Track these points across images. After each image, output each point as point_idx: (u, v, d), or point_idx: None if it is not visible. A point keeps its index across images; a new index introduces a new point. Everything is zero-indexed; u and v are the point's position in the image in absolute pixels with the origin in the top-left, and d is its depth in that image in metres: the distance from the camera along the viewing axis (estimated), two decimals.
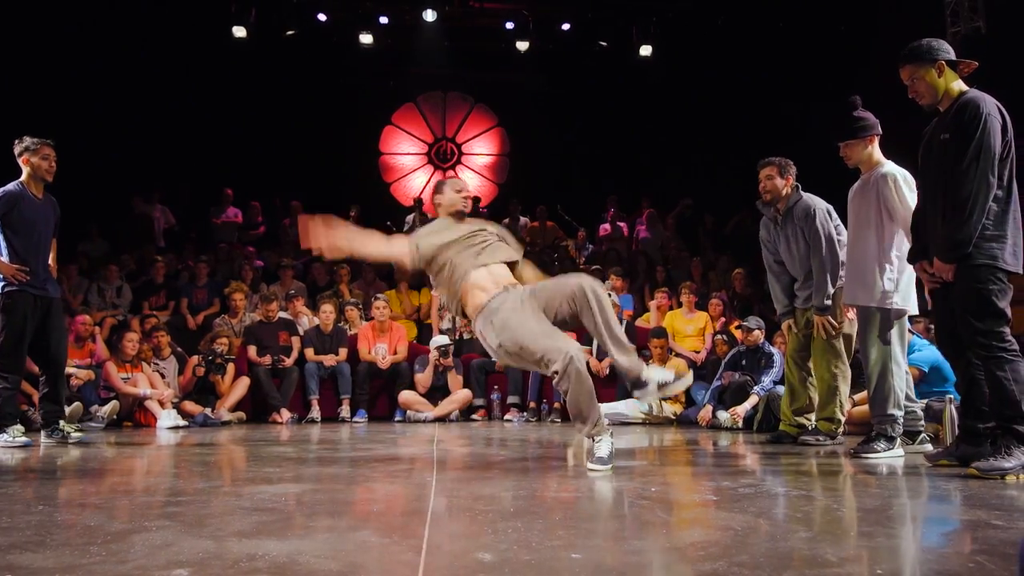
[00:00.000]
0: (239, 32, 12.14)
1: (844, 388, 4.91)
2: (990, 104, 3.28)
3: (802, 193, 4.94)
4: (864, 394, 5.72)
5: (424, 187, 15.17)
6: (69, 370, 6.53)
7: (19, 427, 4.91)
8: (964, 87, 3.44)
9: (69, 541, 1.97)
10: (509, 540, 1.95)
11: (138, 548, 1.88)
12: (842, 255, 4.73)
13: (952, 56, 3.45)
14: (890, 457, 4.10)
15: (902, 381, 4.23)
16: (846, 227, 4.58)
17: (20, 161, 5.08)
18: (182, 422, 6.69)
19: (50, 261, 5.23)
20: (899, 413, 4.19)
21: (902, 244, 4.13)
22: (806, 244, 4.83)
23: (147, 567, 1.70)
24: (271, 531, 2.08)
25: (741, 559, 1.77)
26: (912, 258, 3.67)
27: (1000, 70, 3.50)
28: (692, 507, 2.57)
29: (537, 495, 2.84)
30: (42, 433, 5.17)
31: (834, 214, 4.88)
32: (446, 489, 2.86)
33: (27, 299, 4.94)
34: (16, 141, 5.10)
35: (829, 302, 4.73)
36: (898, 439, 4.20)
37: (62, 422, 5.21)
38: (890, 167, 4.25)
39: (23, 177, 5.08)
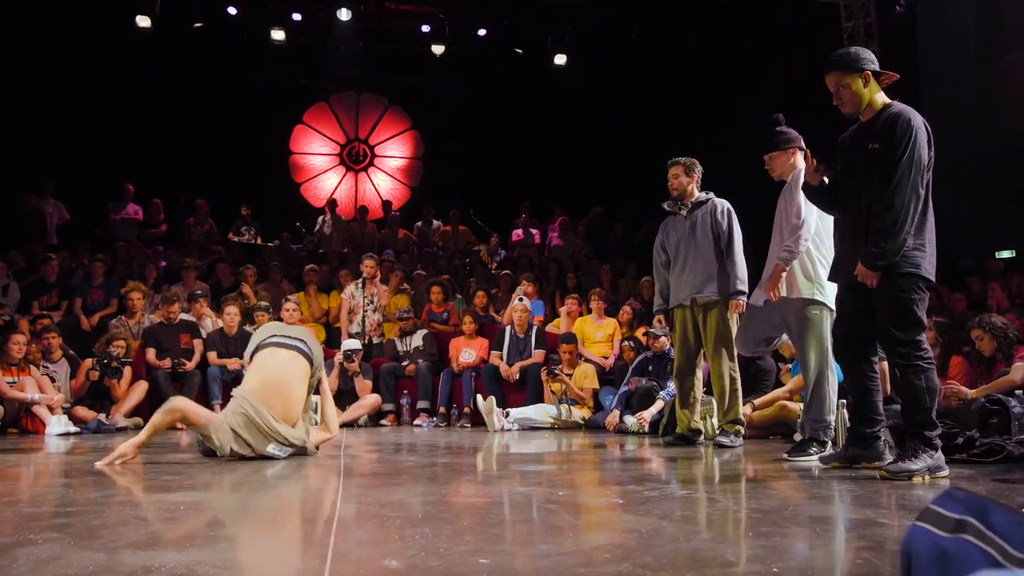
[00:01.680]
0: (143, 22, 11.65)
1: (739, 388, 5.11)
2: (918, 119, 3.39)
3: (712, 196, 5.25)
4: (764, 398, 6.00)
5: (335, 188, 14.95)
6: None
7: None
8: (887, 99, 3.54)
9: None
10: (417, 546, 1.94)
11: (22, 563, 1.78)
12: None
13: (877, 67, 3.53)
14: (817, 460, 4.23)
15: (835, 386, 4.35)
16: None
17: None
18: (73, 428, 6.36)
19: None
20: (831, 418, 4.32)
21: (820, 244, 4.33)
22: (712, 237, 5.09)
23: None
24: (168, 541, 2.00)
25: (645, 560, 1.80)
26: (832, 274, 3.80)
27: (892, 94, 3.65)
28: (599, 510, 2.60)
29: (446, 501, 2.83)
30: None
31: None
32: (353, 495, 2.82)
33: None
34: None
35: (744, 287, 4.97)
36: (828, 442, 4.32)
37: None
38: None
39: None
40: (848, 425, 4.60)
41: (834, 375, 4.36)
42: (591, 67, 13.21)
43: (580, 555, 1.89)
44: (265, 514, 2.57)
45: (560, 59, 13.17)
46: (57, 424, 6.26)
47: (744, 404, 5.69)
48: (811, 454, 4.20)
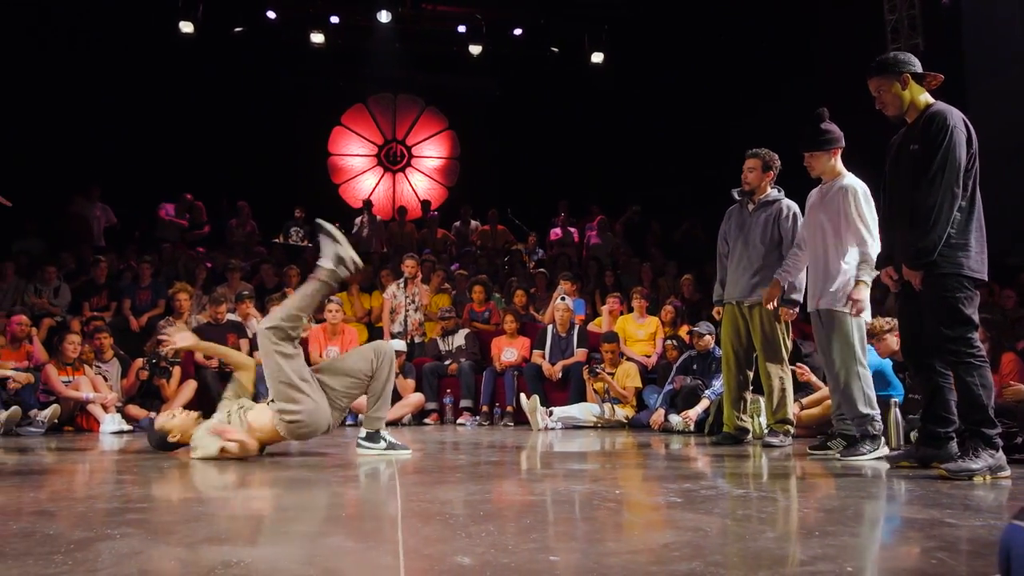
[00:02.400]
0: (186, 27, 11.91)
1: (790, 388, 5.06)
2: (956, 117, 3.40)
3: (782, 194, 5.15)
4: (811, 398, 5.93)
5: (373, 189, 15.07)
6: (7, 373, 6.33)
7: None
8: (931, 99, 3.57)
9: (30, 550, 1.90)
10: (485, 543, 1.96)
11: (105, 556, 1.83)
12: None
13: (918, 69, 3.57)
14: (875, 458, 4.20)
15: (868, 381, 4.34)
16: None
17: None
18: (126, 427, 6.51)
19: None
20: (873, 412, 4.29)
21: (856, 253, 4.30)
22: (771, 239, 5.01)
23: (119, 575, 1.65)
24: (242, 537, 2.05)
25: (715, 559, 1.80)
26: (879, 264, 3.80)
27: (937, 88, 3.64)
28: (659, 509, 2.60)
29: (503, 499, 2.84)
30: None
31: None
32: (411, 493, 2.85)
33: None
34: None
35: (797, 296, 4.89)
36: (881, 437, 4.30)
37: None
38: (851, 180, 4.40)
39: None
40: (901, 423, 4.61)
41: (865, 371, 4.36)
42: (628, 65, 13.18)
43: (650, 553, 1.89)
44: (329, 511, 2.61)
45: (597, 57, 13.16)
46: (111, 422, 6.41)
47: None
48: (864, 452, 4.17)
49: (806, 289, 4.77)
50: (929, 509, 2.53)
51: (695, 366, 6.71)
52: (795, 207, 5.04)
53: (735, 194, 5.30)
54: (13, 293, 8.61)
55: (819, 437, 4.81)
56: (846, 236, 4.32)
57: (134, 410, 6.87)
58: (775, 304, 4.80)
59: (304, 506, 2.64)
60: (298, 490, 3.04)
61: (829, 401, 5.84)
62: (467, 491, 2.94)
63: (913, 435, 4.61)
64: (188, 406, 7.16)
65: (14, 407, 6.05)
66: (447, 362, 8.02)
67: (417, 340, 8.58)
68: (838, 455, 4.29)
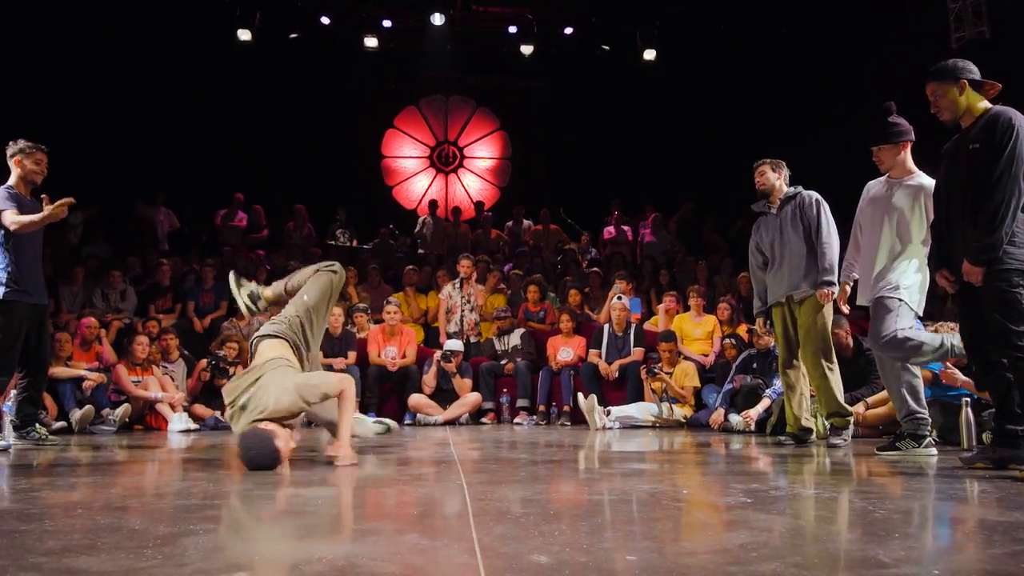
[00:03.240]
0: (244, 35, 12.17)
1: (837, 382, 4.96)
2: (1019, 118, 3.42)
3: (798, 188, 5.12)
4: (877, 396, 5.80)
5: (426, 190, 15.20)
6: (81, 372, 6.55)
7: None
8: (988, 105, 3.58)
9: (120, 544, 1.97)
10: (559, 542, 1.96)
11: (191, 551, 1.88)
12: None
13: (976, 76, 3.60)
14: (917, 455, 4.13)
15: (919, 379, 4.27)
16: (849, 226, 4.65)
17: (11, 163, 5.04)
18: (193, 425, 6.68)
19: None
20: (922, 411, 4.22)
21: (921, 251, 4.23)
22: (803, 230, 4.95)
23: (207, 570, 1.70)
24: (319, 534, 2.09)
25: (795, 560, 1.78)
26: (934, 265, 3.74)
27: (1003, 76, 3.60)
28: (730, 509, 2.57)
29: (569, 498, 2.84)
30: (12, 434, 5.13)
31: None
32: (478, 492, 2.87)
33: (24, 306, 4.95)
34: (11, 142, 5.08)
35: (831, 277, 4.80)
36: (928, 437, 4.23)
37: (38, 425, 5.26)
38: (925, 179, 4.31)
39: (12, 180, 5.04)
40: (973, 424, 4.50)
41: (916, 368, 4.28)
42: (680, 61, 13.02)
43: (727, 553, 1.87)
44: (401, 509, 2.64)
45: (649, 54, 13.04)
46: (179, 421, 6.59)
47: (857, 403, 5.55)
48: (902, 449, 4.14)
49: (844, 283, 4.76)
50: (1012, 512, 2.46)
51: (755, 365, 6.62)
52: (815, 194, 5.03)
53: (756, 207, 5.31)
54: (82, 297, 8.90)
55: (886, 437, 4.70)
56: (914, 234, 4.26)
57: (200, 409, 7.05)
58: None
59: (375, 503, 2.68)
60: (367, 488, 3.09)
61: None
62: (533, 490, 2.94)
63: (986, 436, 4.50)
64: None
65: (88, 406, 6.26)
66: (503, 362, 8.05)
67: (473, 340, 8.63)
68: (876, 450, 4.28)
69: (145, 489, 3.18)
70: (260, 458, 3.50)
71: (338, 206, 12.51)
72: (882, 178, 4.51)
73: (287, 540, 2.00)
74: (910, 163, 4.41)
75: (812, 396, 5.25)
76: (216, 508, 2.53)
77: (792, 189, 5.14)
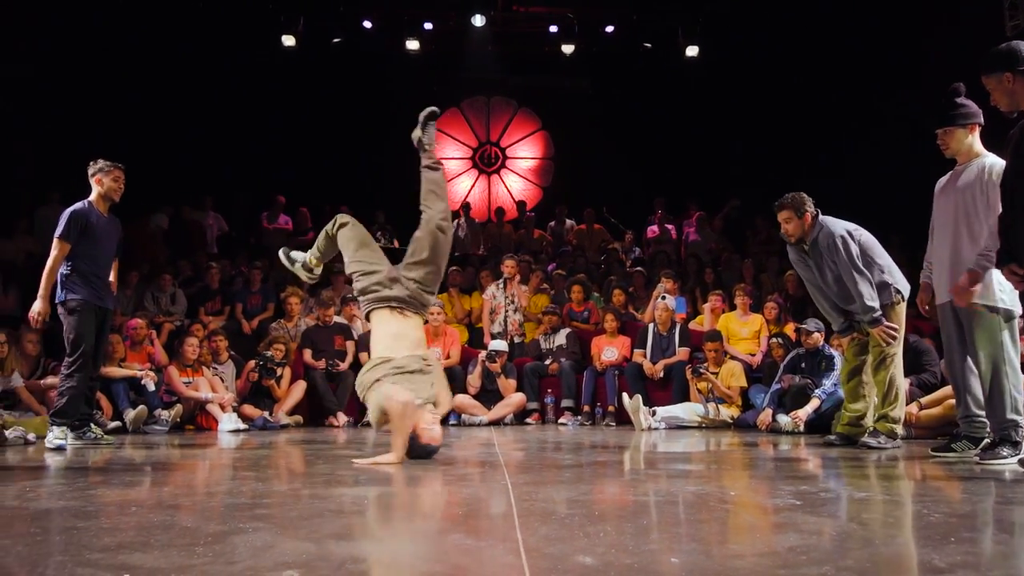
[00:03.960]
0: (288, 41, 12.34)
1: (902, 387, 4.83)
2: None
3: (822, 222, 4.84)
4: (931, 397, 5.66)
5: (469, 191, 15.25)
6: (134, 372, 6.71)
7: (67, 429, 5.10)
8: None
9: (172, 542, 2.01)
10: (605, 543, 1.95)
11: (241, 549, 1.91)
12: (882, 264, 4.73)
13: None
14: (1016, 463, 3.98)
15: (1018, 384, 4.03)
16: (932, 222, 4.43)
17: (92, 181, 5.39)
18: (242, 425, 6.80)
19: (111, 277, 5.51)
20: (1019, 418, 3.99)
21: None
22: (836, 275, 4.78)
23: (256, 568, 1.73)
24: (365, 533, 2.11)
25: (846, 563, 1.74)
26: (1001, 260, 3.57)
27: None
28: (778, 511, 2.53)
29: (614, 499, 2.83)
30: (70, 434, 5.25)
31: (856, 232, 4.82)
32: (522, 493, 2.87)
33: (91, 308, 5.23)
34: (91, 162, 5.42)
35: (878, 314, 4.65)
36: (1022, 443, 4.05)
37: (93, 425, 5.48)
38: (992, 158, 4.07)
39: (92, 196, 5.38)
40: None
41: (1015, 372, 4.05)
42: (724, 57, 12.85)
43: (775, 556, 1.84)
44: (446, 509, 2.66)
45: (692, 51, 12.88)
46: (228, 421, 6.71)
47: (910, 403, 5.42)
48: (1003, 456, 3.92)
49: (910, 283, 4.60)
50: None
51: (803, 364, 6.50)
52: (837, 229, 4.73)
53: (790, 251, 5.08)
54: (134, 300, 9.12)
55: (941, 439, 4.58)
56: (985, 221, 3.97)
57: (248, 410, 7.17)
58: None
59: (420, 503, 2.69)
60: (413, 488, 3.11)
61: (951, 401, 5.58)
62: (577, 491, 2.94)
63: None
64: (298, 406, 7.50)
65: (141, 407, 6.42)
66: (548, 361, 8.04)
67: (517, 340, 8.64)
68: (976, 457, 4.05)
69: (196, 488, 3.25)
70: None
71: (376, 209, 12.61)
72: (952, 170, 4.31)
73: (334, 539, 2.02)
74: (978, 147, 4.15)
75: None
76: (265, 507, 2.57)
77: (819, 225, 4.84)
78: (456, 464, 3.97)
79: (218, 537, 2.05)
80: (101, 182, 5.36)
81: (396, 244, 12.29)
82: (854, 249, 4.70)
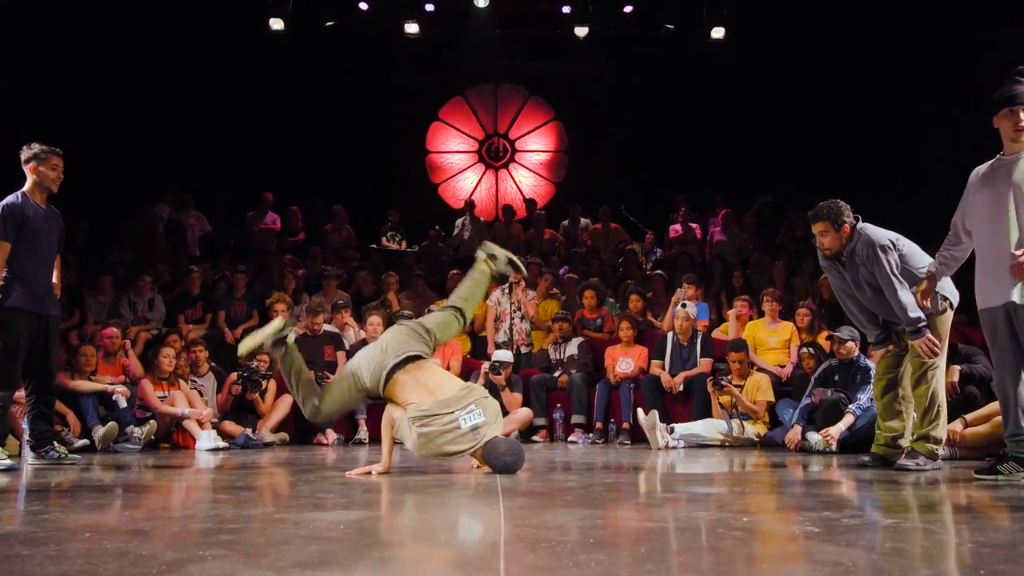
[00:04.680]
0: (276, 24, 12.40)
1: (944, 404, 4.78)
2: None
3: (860, 230, 4.79)
4: (977, 413, 5.60)
5: (475, 188, 15.27)
6: (104, 386, 6.74)
7: (3, 450, 4.97)
8: None
9: (122, 571, 2.01)
10: (594, 573, 1.94)
11: None
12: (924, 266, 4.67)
13: None
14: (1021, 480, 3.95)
15: None
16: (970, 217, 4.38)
17: (26, 169, 5.14)
18: (222, 443, 6.82)
19: (54, 279, 5.31)
20: None
21: None
22: (873, 286, 4.74)
23: None
24: (334, 562, 2.10)
25: None
26: None
27: None
28: (793, 540, 2.51)
29: (615, 525, 2.82)
30: (30, 455, 5.26)
31: (899, 241, 4.77)
32: (517, 517, 2.86)
33: (25, 317, 5.01)
34: (24, 147, 5.18)
35: (923, 324, 4.61)
36: None
37: (56, 443, 5.36)
38: None
39: (26, 186, 5.15)
40: None
41: None
42: (752, 39, 12.80)
43: None
44: (428, 535, 2.65)
45: (717, 32, 12.86)
46: (207, 439, 6.73)
47: (954, 420, 5.37)
48: (1003, 473, 3.92)
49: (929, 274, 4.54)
50: None
51: (836, 377, 6.46)
52: (877, 238, 4.68)
53: (823, 265, 5.05)
54: (110, 306, 9.17)
55: (987, 459, 4.53)
56: None
57: (229, 426, 7.19)
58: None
59: (400, 529, 2.69)
60: (395, 511, 3.11)
61: (998, 417, 5.53)
62: (577, 516, 2.92)
63: None
64: (284, 422, 7.51)
65: (111, 423, 6.45)
66: (557, 374, 8.03)
67: (523, 350, 8.63)
68: (973, 473, 4.05)
69: (160, 512, 3.25)
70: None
71: (390, 206, 12.62)
72: (995, 158, 4.26)
73: (298, 568, 2.02)
74: None
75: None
76: (231, 532, 2.58)
77: (854, 237, 4.80)
78: (449, 486, 3.96)
79: (172, 566, 2.06)
80: (36, 170, 5.10)
81: (404, 246, 12.31)
82: (894, 259, 4.67)
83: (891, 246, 4.69)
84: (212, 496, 3.75)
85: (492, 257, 5.02)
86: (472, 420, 4.26)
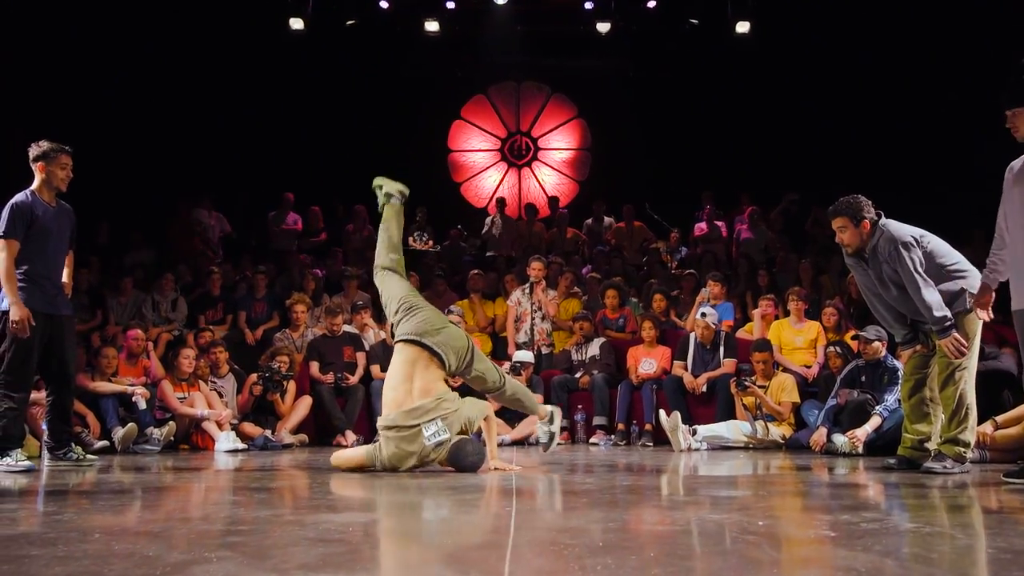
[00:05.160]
0: (296, 24, 12.48)
1: (973, 406, 4.71)
2: None
3: (882, 227, 4.72)
4: (1008, 415, 5.52)
5: (497, 186, 15.28)
6: (127, 387, 6.81)
7: (21, 451, 4.98)
8: None
9: (127, 572, 2.04)
10: None
11: None
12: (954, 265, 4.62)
13: None
14: None
15: None
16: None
17: (35, 168, 5.13)
18: (241, 445, 6.88)
19: (64, 277, 5.32)
20: None
21: None
22: (898, 284, 4.68)
23: None
24: (337, 564, 2.12)
25: None
26: None
27: None
28: (805, 544, 2.49)
29: (628, 528, 2.81)
30: (47, 456, 5.31)
31: (924, 238, 4.70)
32: (526, 520, 2.86)
33: (35, 318, 4.96)
34: (33, 144, 5.15)
35: (950, 323, 4.54)
36: None
37: (74, 445, 5.41)
38: None
39: (34, 185, 5.13)
40: None
41: None
42: (778, 33, 12.69)
43: None
44: (433, 538, 2.66)
45: (742, 26, 12.76)
46: (226, 440, 6.79)
47: (984, 421, 5.30)
48: None
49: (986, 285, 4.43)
50: None
51: (863, 377, 6.40)
52: (900, 234, 4.61)
53: (848, 262, 5.00)
54: (132, 307, 9.28)
55: (1019, 462, 4.46)
56: None
57: (249, 428, 7.24)
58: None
59: (409, 531, 2.70)
60: (404, 513, 3.12)
61: None
62: (590, 518, 2.92)
63: None
64: (303, 424, 7.56)
65: (131, 424, 6.52)
66: (578, 375, 8.02)
67: (545, 351, 8.63)
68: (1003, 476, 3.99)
69: (172, 513, 3.29)
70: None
71: (416, 206, 12.63)
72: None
73: (302, 570, 2.03)
74: None
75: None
76: (240, 534, 2.60)
77: (876, 233, 4.72)
78: (463, 488, 3.97)
79: (177, 568, 2.08)
80: (45, 169, 5.09)
81: (431, 245, 12.33)
82: (917, 256, 4.59)
83: (914, 242, 4.63)
84: (227, 498, 3.79)
85: (387, 195, 5.56)
86: (437, 438, 4.48)
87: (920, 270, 4.55)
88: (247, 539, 2.51)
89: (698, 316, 7.80)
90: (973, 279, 4.66)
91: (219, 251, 11.71)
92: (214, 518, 3.01)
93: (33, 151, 5.15)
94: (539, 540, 2.50)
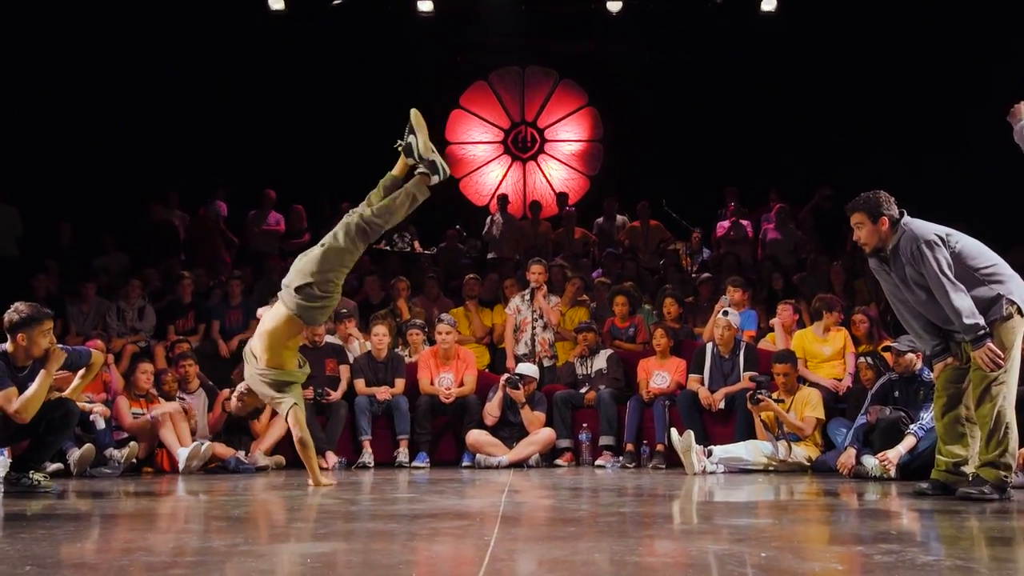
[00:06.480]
0: (276, 4, 12.48)
1: (1013, 424, 4.67)
2: None
3: (904, 225, 4.72)
4: None
5: (500, 182, 15.29)
6: (89, 406, 6.80)
7: None
8: None
9: None
10: None
11: None
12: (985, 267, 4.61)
13: None
14: None
15: None
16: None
17: (16, 337, 5.26)
18: (205, 445, 6.88)
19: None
20: None
21: None
22: (924, 287, 4.66)
23: None
24: None
25: None
26: None
27: None
28: None
29: (608, 558, 2.79)
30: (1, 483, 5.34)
31: (951, 237, 4.69)
32: (503, 551, 2.86)
33: None
34: (10, 310, 5.29)
35: (983, 331, 4.52)
36: None
37: (31, 471, 5.40)
38: None
39: (7, 347, 5.31)
40: None
41: None
42: (808, 11, 12.68)
43: None
44: (397, 570, 2.65)
45: (768, 4, 12.74)
46: (185, 456, 6.76)
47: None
48: None
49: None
50: None
51: (896, 393, 6.36)
52: (923, 233, 4.62)
53: (872, 265, 5.02)
54: (94, 316, 9.30)
55: None
56: None
57: (220, 448, 7.23)
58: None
59: (371, 564, 2.70)
60: (369, 543, 3.11)
61: None
62: (569, 550, 2.92)
63: None
64: (279, 444, 7.56)
65: (87, 446, 6.49)
66: (583, 390, 8.00)
67: (547, 363, 8.61)
68: None
69: (114, 543, 3.30)
70: None
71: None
72: None
73: None
74: None
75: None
76: (184, 567, 2.61)
77: (897, 232, 4.73)
78: (442, 515, 3.97)
79: None
80: (28, 338, 5.25)
81: (416, 247, 12.35)
82: (943, 256, 4.57)
83: (939, 242, 4.60)
84: (177, 525, 3.80)
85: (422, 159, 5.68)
86: None
87: (947, 272, 4.53)
88: (192, 572, 2.51)
89: (719, 316, 7.74)
90: (1012, 284, 4.63)
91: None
92: (160, 549, 3.02)
93: (9, 316, 5.28)
94: (512, 572, 2.50)
